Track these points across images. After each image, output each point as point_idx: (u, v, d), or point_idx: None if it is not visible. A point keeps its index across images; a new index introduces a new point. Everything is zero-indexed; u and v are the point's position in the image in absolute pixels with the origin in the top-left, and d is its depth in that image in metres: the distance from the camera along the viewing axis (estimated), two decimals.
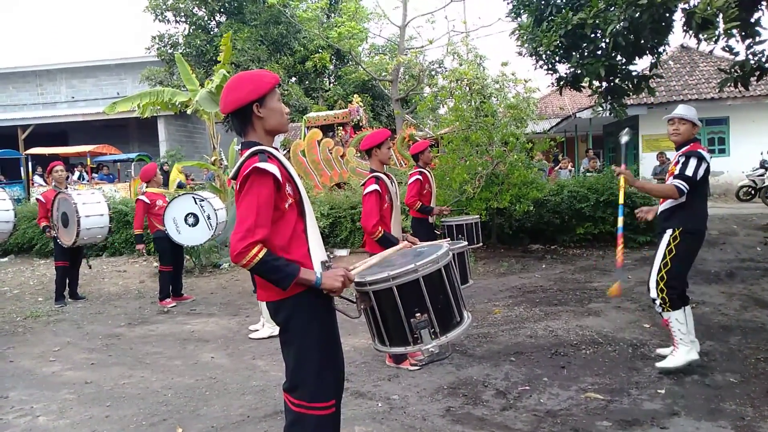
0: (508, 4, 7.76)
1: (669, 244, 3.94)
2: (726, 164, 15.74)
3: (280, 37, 19.27)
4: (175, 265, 7.20)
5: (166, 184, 15.28)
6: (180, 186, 14.14)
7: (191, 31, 20.00)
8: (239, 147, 2.37)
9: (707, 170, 3.90)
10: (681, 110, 4.10)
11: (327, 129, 17.57)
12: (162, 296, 7.08)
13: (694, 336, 4.04)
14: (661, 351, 4.23)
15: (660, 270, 3.95)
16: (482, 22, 40.86)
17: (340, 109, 19.24)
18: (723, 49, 6.87)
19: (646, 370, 4.02)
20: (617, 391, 3.68)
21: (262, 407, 3.73)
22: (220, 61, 10.24)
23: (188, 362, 4.83)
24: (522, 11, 7.56)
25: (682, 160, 3.91)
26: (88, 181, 17.90)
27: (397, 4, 15.84)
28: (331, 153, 16.50)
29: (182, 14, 19.69)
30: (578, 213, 9.19)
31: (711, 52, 14.04)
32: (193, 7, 19.81)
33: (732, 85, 7.00)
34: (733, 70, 7.02)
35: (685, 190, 3.83)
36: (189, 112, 9.98)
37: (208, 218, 7.17)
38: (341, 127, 17.23)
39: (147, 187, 7.29)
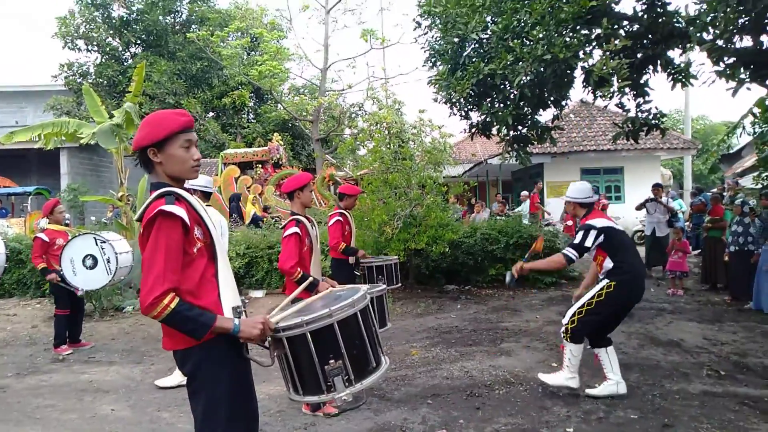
0: (425, 52, 8.11)
1: (601, 289, 4.28)
2: (621, 210, 17.01)
3: (200, 72, 18.95)
4: (73, 308, 6.65)
5: (240, 216, 14.52)
6: (255, 220, 13.31)
7: (103, 60, 19.21)
8: (150, 187, 2.27)
9: (605, 234, 4.27)
10: (568, 192, 4.58)
11: (245, 166, 17.31)
12: (57, 343, 6.50)
13: (618, 375, 4.39)
14: (589, 391, 4.41)
15: (583, 305, 4.29)
16: (401, 69, 42.49)
17: (260, 146, 19.07)
18: (616, 105, 7.56)
19: (555, 408, 4.16)
20: (529, 430, 3.78)
21: None
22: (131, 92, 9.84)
23: (85, 415, 4.43)
24: (438, 60, 7.93)
25: (577, 231, 4.43)
26: None
27: (319, 48, 16.13)
28: (249, 190, 16.24)
29: (95, 43, 18.90)
30: (490, 254, 9.56)
31: (606, 107, 15.36)
32: (107, 37, 19.10)
33: (624, 138, 7.67)
34: (625, 125, 7.71)
35: (574, 258, 4.28)
36: (86, 143, 9.41)
37: (108, 261, 6.75)
38: (260, 165, 17.05)
39: (49, 223, 6.78)
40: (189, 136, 2.21)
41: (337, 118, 16.28)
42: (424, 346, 6.13)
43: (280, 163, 17.75)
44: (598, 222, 4.33)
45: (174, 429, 4.08)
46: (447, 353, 5.78)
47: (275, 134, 18.63)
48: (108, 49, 19.31)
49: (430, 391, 4.65)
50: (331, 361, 2.26)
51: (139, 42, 19.50)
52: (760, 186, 9.62)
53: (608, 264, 4.33)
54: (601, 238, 4.28)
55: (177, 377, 5.06)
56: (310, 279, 3.18)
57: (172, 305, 1.96)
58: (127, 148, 10.14)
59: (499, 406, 4.25)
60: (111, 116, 10.01)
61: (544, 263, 4.68)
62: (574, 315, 4.30)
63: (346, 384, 2.27)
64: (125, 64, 19.20)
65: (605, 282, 4.28)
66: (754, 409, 4.00)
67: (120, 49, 19.69)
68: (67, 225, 9.76)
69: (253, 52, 20.14)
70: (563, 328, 4.34)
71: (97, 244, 6.80)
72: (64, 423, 4.27)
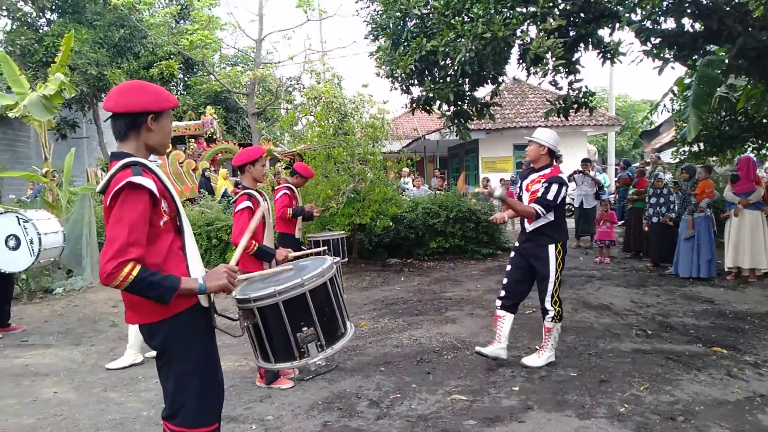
0: (367, 25, 8.07)
1: (557, 258, 4.25)
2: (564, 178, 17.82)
3: (123, 41, 17.84)
4: (0, 291, 6.29)
5: (211, 192, 13.56)
6: (225, 195, 12.45)
7: (15, 27, 17.69)
8: (110, 157, 2.19)
9: (566, 190, 4.29)
10: (536, 132, 4.45)
11: (177, 141, 16.66)
12: None
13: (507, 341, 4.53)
14: (481, 349, 4.52)
15: (554, 284, 4.27)
16: (339, 42, 41.93)
17: (191, 120, 18.37)
18: (550, 83, 7.86)
19: (500, 370, 4.40)
20: (478, 391, 3.98)
21: None
22: (54, 63, 9.17)
23: (24, 400, 4.24)
24: (380, 35, 7.92)
25: (545, 185, 4.21)
26: None
27: (253, 18, 15.60)
28: (181, 166, 15.66)
29: (3, 7, 17.37)
30: (431, 228, 9.82)
31: (539, 84, 15.92)
32: (18, 1, 17.58)
33: (555, 114, 8.01)
34: (557, 102, 8.05)
35: (541, 215, 4.19)
36: (15, 116, 8.74)
37: (31, 242, 6.42)
38: (193, 140, 16.44)
39: None
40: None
41: (274, 91, 15.91)
42: (372, 317, 6.26)
43: (214, 137, 17.20)
44: (564, 177, 4.29)
45: (124, 408, 3.99)
46: (395, 323, 5.93)
47: (208, 107, 17.99)
48: (19, 14, 17.79)
49: (381, 359, 4.78)
50: (304, 329, 2.32)
51: (54, 8, 18.08)
52: (678, 160, 10.37)
53: (549, 216, 4.27)
54: (565, 193, 4.25)
55: (127, 358, 4.93)
56: (291, 265, 3.10)
57: (135, 272, 1.91)
58: (50, 122, 9.52)
59: (449, 370, 4.44)
60: (31, 87, 9.32)
61: (520, 206, 4.30)
62: (554, 296, 4.27)
63: (319, 349, 2.34)
64: (40, 32, 17.78)
65: (553, 248, 4.26)
66: (677, 363, 4.40)
67: (33, 15, 18.19)
68: None
69: (182, 21, 19.18)
70: (552, 314, 4.29)
71: (19, 224, 6.46)
72: (1, 409, 4.07)
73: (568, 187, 4.27)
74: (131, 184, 1.98)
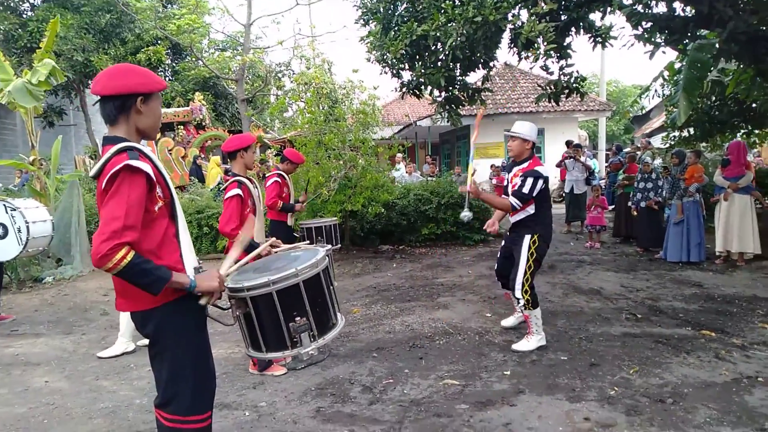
0: (357, 10, 7.98)
1: (530, 248, 4.40)
2: (542, 170, 17.83)
3: (110, 26, 17.55)
4: None
5: (201, 179, 13.08)
6: (220, 182, 12.10)
7: None
8: (101, 142, 2.15)
9: (545, 183, 4.41)
10: (514, 126, 4.57)
11: (166, 127, 16.47)
12: None
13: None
14: (504, 323, 5.00)
15: (525, 273, 4.40)
16: (329, 27, 41.58)
17: (180, 106, 18.16)
18: (541, 68, 7.83)
19: (492, 354, 4.43)
20: (470, 375, 4.02)
21: (116, 430, 3.41)
22: (39, 48, 9.01)
23: (16, 389, 4.22)
24: (370, 19, 7.84)
25: (522, 178, 4.39)
26: None
27: (242, 2, 15.37)
28: (170, 153, 15.52)
29: None
30: (423, 215, 9.82)
31: (531, 69, 15.83)
32: None
33: (546, 100, 7.99)
34: (548, 87, 8.03)
35: (518, 207, 4.40)
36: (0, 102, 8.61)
37: (19, 231, 6.36)
38: (182, 126, 16.28)
39: None
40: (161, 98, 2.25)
41: (264, 77, 15.76)
42: (364, 303, 6.27)
43: (203, 124, 17.02)
44: (543, 170, 4.41)
45: (117, 396, 3.98)
46: (387, 309, 5.95)
47: (197, 94, 17.78)
48: None
49: (374, 345, 4.80)
50: (297, 318, 2.31)
51: None
52: (668, 145, 10.41)
53: (530, 210, 4.43)
54: (543, 186, 4.38)
55: (119, 347, 4.91)
56: (265, 245, 3.11)
57: (129, 257, 1.89)
58: (37, 108, 9.37)
59: (441, 355, 4.47)
60: (15, 74, 9.16)
61: (496, 200, 4.65)
62: (524, 285, 4.38)
63: (312, 339, 2.34)
64: (24, 16, 17.44)
65: (529, 238, 4.41)
66: (667, 346, 4.46)
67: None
68: None
69: (169, 5, 18.90)
70: (522, 303, 4.39)
71: (6, 212, 6.39)
72: None
73: (546, 179, 4.42)
74: (129, 167, 1.97)
